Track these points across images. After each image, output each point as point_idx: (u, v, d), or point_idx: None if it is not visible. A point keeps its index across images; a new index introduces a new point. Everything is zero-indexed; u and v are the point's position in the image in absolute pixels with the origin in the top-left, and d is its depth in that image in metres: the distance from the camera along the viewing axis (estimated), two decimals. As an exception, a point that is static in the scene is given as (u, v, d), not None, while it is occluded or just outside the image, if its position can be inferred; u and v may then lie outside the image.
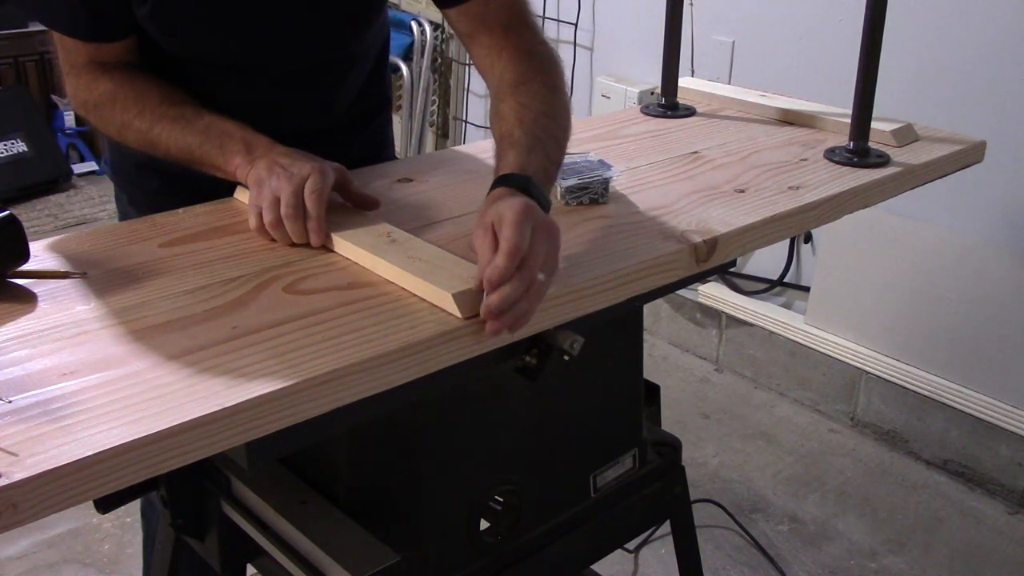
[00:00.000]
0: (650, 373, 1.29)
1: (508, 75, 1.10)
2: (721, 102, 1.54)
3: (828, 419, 2.63)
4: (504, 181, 0.93)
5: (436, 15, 3.53)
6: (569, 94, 1.11)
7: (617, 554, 2.02)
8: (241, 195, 1.12)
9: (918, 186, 1.30)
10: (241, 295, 0.89)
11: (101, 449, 0.65)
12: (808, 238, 2.62)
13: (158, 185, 1.25)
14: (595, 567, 1.33)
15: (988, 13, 2.11)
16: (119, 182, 1.34)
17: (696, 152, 1.31)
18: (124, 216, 1.35)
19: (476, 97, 3.50)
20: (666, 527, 1.34)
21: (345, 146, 1.26)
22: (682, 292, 2.81)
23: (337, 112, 1.28)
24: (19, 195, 3.81)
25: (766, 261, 2.70)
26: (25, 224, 0.92)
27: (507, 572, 1.12)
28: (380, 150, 1.39)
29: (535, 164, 0.96)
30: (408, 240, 0.97)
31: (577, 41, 3.08)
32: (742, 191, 1.16)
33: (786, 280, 2.69)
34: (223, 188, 1.11)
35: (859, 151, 1.27)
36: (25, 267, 0.92)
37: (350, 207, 1.06)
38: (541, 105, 1.05)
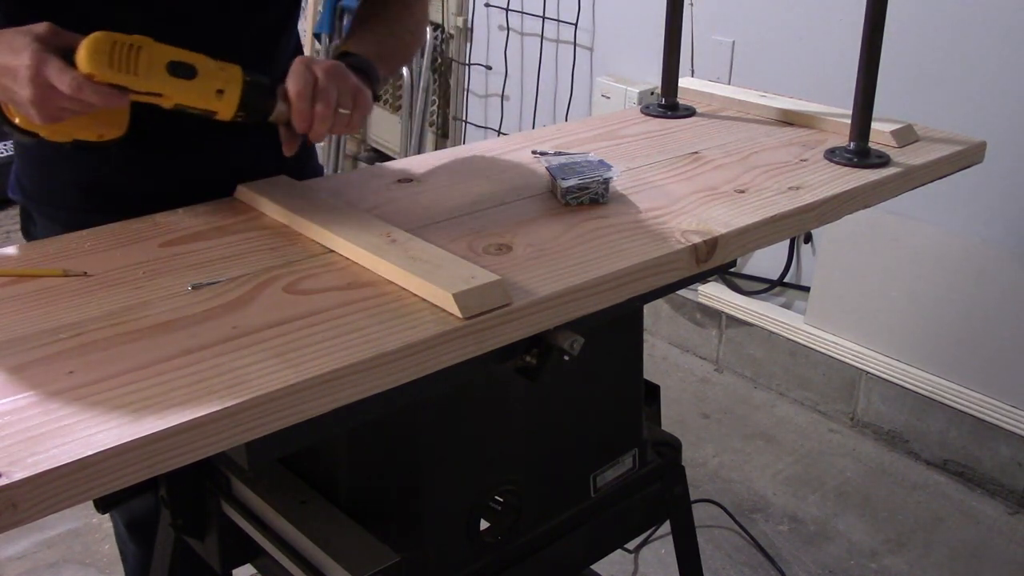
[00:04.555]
0: (650, 373, 1.29)
1: None
2: (721, 102, 1.54)
3: (828, 419, 2.63)
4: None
5: (436, 15, 3.54)
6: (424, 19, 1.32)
7: (617, 554, 2.02)
8: (242, 195, 1.12)
9: (918, 186, 1.29)
10: (241, 295, 0.89)
11: (101, 449, 0.65)
12: (808, 238, 2.62)
13: (79, 201, 1.19)
14: (595, 567, 1.33)
15: (988, 13, 2.12)
16: (37, 204, 1.25)
17: (696, 152, 1.31)
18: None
19: (476, 97, 3.50)
20: (666, 527, 1.34)
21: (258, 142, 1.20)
22: (682, 292, 2.82)
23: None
24: (19, 195, 3.82)
25: (766, 261, 2.70)
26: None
27: (507, 572, 1.12)
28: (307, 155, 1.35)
29: (366, 46, 1.17)
30: (408, 240, 0.97)
31: (577, 41, 3.08)
32: (742, 191, 1.16)
33: (786, 280, 2.69)
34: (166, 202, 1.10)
35: (859, 151, 1.27)
36: (25, 267, 0.92)
37: (350, 208, 1.06)
38: (389, 13, 1.25)
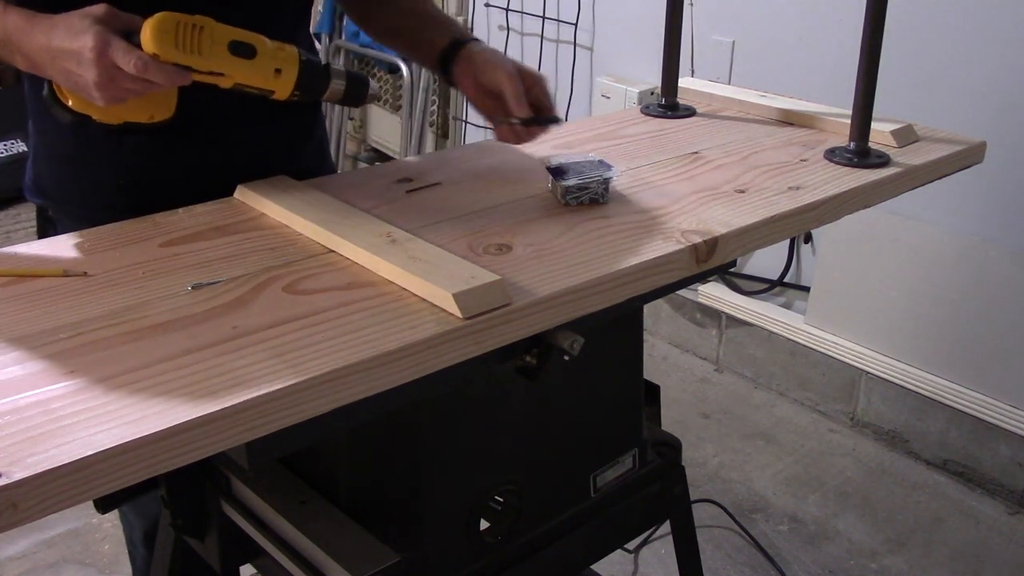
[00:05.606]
0: (650, 373, 1.30)
1: None
2: (721, 102, 1.54)
3: (828, 419, 2.63)
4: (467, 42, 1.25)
5: (436, 15, 3.53)
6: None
7: (617, 554, 2.03)
8: (242, 195, 1.12)
9: (918, 186, 1.29)
10: (241, 295, 0.89)
11: (101, 449, 0.65)
12: (808, 238, 2.62)
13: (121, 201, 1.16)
14: (595, 567, 1.33)
15: (988, 13, 2.12)
16: (63, 206, 1.22)
17: (696, 152, 1.31)
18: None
19: (476, 97, 3.50)
20: (666, 527, 1.34)
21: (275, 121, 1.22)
22: (682, 292, 2.82)
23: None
24: (19, 195, 3.81)
25: (766, 261, 2.70)
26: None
27: (507, 572, 1.12)
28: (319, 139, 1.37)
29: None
30: (408, 240, 0.97)
31: (577, 41, 3.08)
32: (742, 191, 1.16)
33: (786, 280, 2.69)
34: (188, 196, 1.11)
35: (859, 151, 1.27)
36: (25, 266, 0.92)
37: (350, 209, 1.06)
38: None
